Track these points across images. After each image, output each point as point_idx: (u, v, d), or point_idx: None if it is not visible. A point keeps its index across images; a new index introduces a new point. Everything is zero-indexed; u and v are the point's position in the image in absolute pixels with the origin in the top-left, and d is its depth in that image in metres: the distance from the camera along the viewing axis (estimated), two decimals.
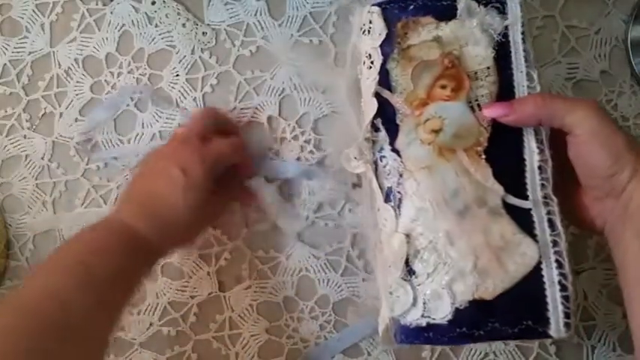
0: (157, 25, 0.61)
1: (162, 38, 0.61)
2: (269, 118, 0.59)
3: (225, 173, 0.54)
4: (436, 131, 0.45)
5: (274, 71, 0.59)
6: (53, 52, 0.62)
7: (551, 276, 0.43)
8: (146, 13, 0.61)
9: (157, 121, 0.60)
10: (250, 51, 0.60)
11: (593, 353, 0.56)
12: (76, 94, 0.62)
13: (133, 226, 0.49)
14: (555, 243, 0.43)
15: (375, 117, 0.47)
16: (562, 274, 0.43)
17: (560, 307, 0.42)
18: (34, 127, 0.62)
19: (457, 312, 0.42)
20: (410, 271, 0.44)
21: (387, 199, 0.46)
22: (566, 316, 0.42)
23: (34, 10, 0.62)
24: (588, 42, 0.57)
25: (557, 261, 0.43)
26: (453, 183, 0.44)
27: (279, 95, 0.59)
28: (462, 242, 0.42)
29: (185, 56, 0.60)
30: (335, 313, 0.58)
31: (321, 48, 0.59)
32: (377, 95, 0.47)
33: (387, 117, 0.46)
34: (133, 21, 0.61)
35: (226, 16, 0.60)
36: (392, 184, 0.45)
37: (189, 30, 0.60)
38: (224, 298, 0.59)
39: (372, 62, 0.47)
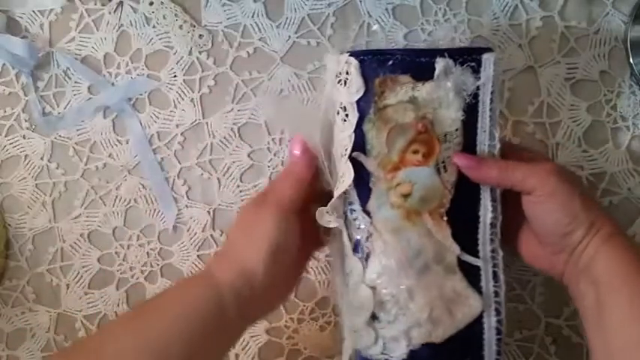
0: (154, 26, 0.60)
1: (159, 39, 0.60)
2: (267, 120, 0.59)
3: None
4: (405, 196, 0.46)
5: (272, 72, 0.59)
6: (52, 51, 0.62)
7: (490, 322, 0.47)
8: (144, 13, 0.61)
9: (155, 122, 0.60)
10: (247, 52, 0.59)
11: None
12: (74, 95, 0.62)
13: (220, 278, 0.44)
14: (497, 293, 0.47)
15: None
16: (499, 321, 0.47)
17: (494, 348, 0.47)
18: (33, 127, 0.62)
19: (411, 352, 0.46)
20: (374, 317, 0.46)
21: (355, 250, 0.47)
22: (498, 353, 0.47)
23: (33, 10, 0.62)
24: (587, 42, 0.57)
25: (496, 309, 0.47)
26: (416, 244, 0.46)
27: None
28: (420, 297, 0.45)
29: (183, 57, 0.60)
30: (335, 315, 0.58)
31: (319, 50, 0.59)
32: (352, 159, 0.46)
33: (361, 179, 0.46)
34: (131, 21, 0.61)
35: (223, 18, 0.60)
36: (361, 237, 0.47)
37: (186, 32, 0.60)
38: None
39: (346, 115, 0.46)
